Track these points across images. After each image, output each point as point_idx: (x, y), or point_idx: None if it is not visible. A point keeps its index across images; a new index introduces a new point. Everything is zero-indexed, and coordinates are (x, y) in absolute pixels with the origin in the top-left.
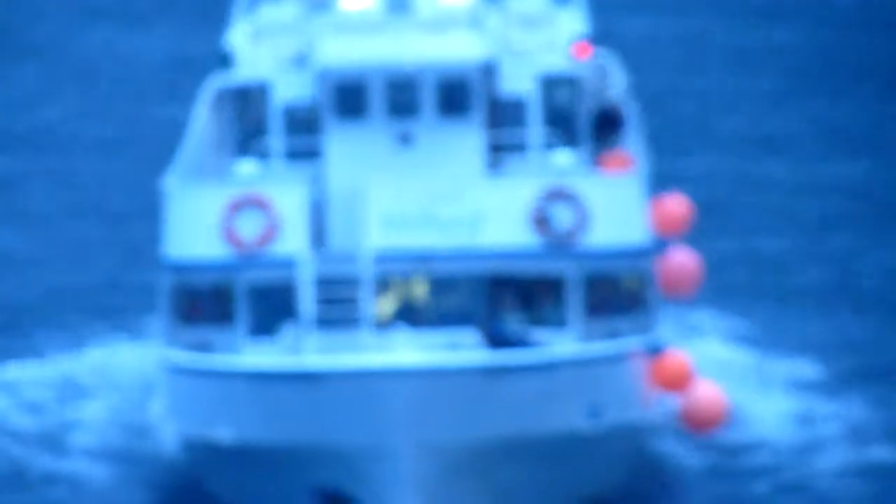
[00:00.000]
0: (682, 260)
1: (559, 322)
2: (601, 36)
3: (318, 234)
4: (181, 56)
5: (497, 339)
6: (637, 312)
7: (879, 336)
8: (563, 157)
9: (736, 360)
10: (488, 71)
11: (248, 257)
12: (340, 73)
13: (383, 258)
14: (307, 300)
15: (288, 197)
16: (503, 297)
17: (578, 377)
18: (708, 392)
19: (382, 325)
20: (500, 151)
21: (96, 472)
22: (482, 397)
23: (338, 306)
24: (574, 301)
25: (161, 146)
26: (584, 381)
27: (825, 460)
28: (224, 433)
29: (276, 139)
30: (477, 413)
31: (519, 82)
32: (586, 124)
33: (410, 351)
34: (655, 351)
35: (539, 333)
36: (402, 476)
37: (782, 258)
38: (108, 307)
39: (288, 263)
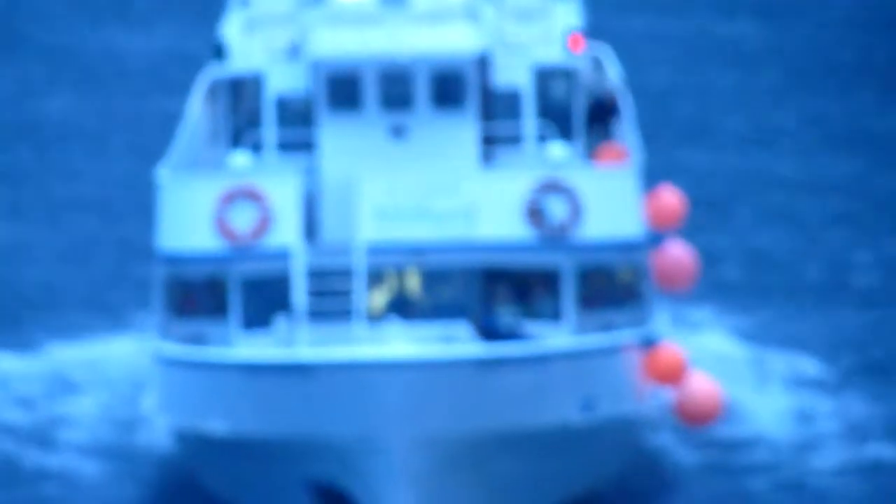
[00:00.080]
0: (678, 254)
1: (553, 315)
2: (601, 34)
3: (311, 227)
4: (180, 52)
5: (489, 332)
6: (631, 305)
7: (878, 332)
8: (558, 150)
9: (735, 356)
10: (483, 63)
11: (241, 249)
12: (334, 65)
13: (376, 250)
14: (300, 292)
15: (281, 189)
16: (497, 289)
17: (572, 370)
18: (702, 385)
19: (375, 317)
20: (495, 144)
21: (88, 468)
22: (475, 390)
23: (331, 298)
24: (568, 294)
25: (159, 141)
26: (577, 373)
27: (823, 457)
28: (217, 426)
29: (270, 131)
30: (470, 406)
31: (513, 74)
32: (581, 117)
33: (403, 343)
34: (649, 344)
35: (533, 326)
36: (395, 468)
37: (781, 255)
38: (104, 301)
39: (281, 255)
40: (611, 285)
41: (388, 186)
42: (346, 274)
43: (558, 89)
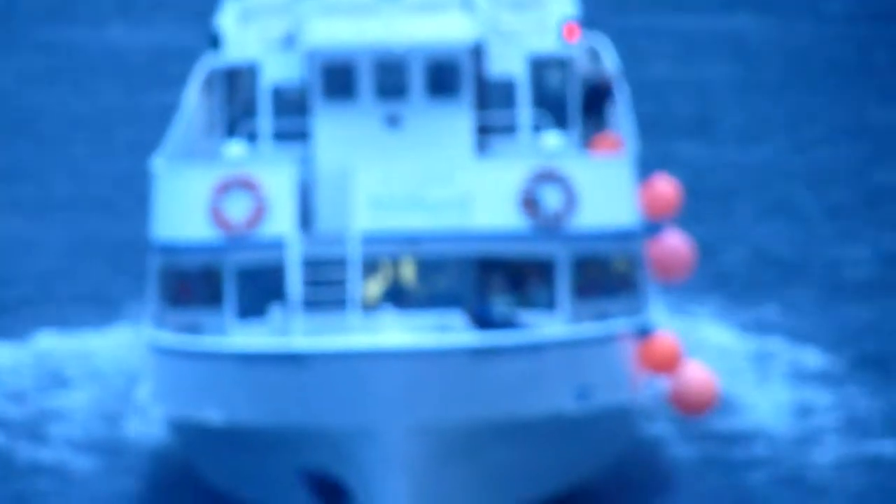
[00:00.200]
0: (675, 243)
1: (548, 304)
2: (601, 28)
3: (306, 216)
4: (179, 47)
5: (484, 322)
6: (626, 294)
7: (879, 325)
8: (552, 139)
9: (734, 349)
10: (477, 52)
11: (236, 239)
12: (329, 54)
13: (371, 240)
14: (295, 282)
15: (276, 178)
16: (491, 279)
17: (566, 359)
18: (697, 375)
19: (370, 306)
20: (489, 133)
21: (81, 462)
22: (470, 379)
23: (325, 288)
24: (563, 283)
25: (158, 135)
26: (572, 362)
27: (822, 451)
28: (212, 415)
29: (265, 120)
30: (464, 395)
31: (508, 63)
32: (576, 106)
33: (398, 333)
34: (644, 333)
35: (527, 315)
36: (390, 457)
37: (780, 246)
38: (99, 294)
39: (276, 245)
40: (605, 274)
41: (383, 176)
42: (340, 263)
43: (553, 78)
